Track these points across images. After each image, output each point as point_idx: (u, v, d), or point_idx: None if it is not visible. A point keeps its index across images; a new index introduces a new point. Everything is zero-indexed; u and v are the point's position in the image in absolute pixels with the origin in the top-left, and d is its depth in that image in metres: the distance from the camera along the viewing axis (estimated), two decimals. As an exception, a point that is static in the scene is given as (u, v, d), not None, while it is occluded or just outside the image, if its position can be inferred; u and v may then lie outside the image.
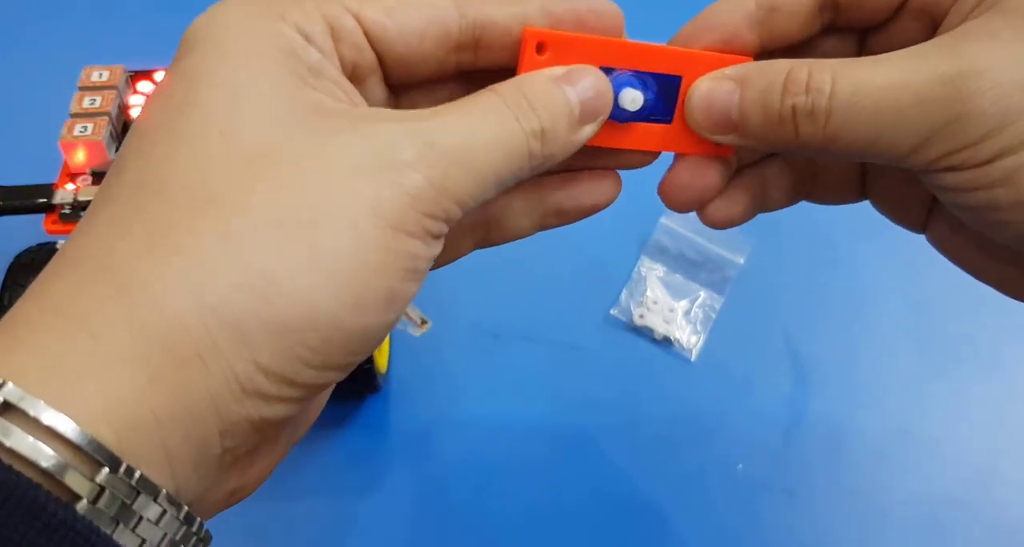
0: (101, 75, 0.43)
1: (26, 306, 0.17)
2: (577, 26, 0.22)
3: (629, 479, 0.43)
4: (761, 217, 0.54)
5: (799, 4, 0.23)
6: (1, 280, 0.42)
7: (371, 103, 0.22)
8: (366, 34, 0.21)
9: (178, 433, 0.17)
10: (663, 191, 0.26)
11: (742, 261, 0.50)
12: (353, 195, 0.18)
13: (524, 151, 0.20)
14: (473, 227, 0.24)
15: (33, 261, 0.43)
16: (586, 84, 0.22)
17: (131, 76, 0.44)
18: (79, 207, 0.40)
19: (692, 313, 0.49)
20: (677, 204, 0.26)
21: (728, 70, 0.23)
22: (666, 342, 0.48)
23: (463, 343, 0.47)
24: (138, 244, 0.17)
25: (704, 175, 0.25)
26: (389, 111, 0.20)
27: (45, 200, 0.40)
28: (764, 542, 0.42)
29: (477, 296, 0.48)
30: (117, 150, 0.42)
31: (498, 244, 0.25)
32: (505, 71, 0.22)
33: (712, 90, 0.23)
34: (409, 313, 0.40)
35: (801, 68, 0.22)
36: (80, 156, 0.41)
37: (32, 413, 0.15)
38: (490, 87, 0.21)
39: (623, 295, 0.49)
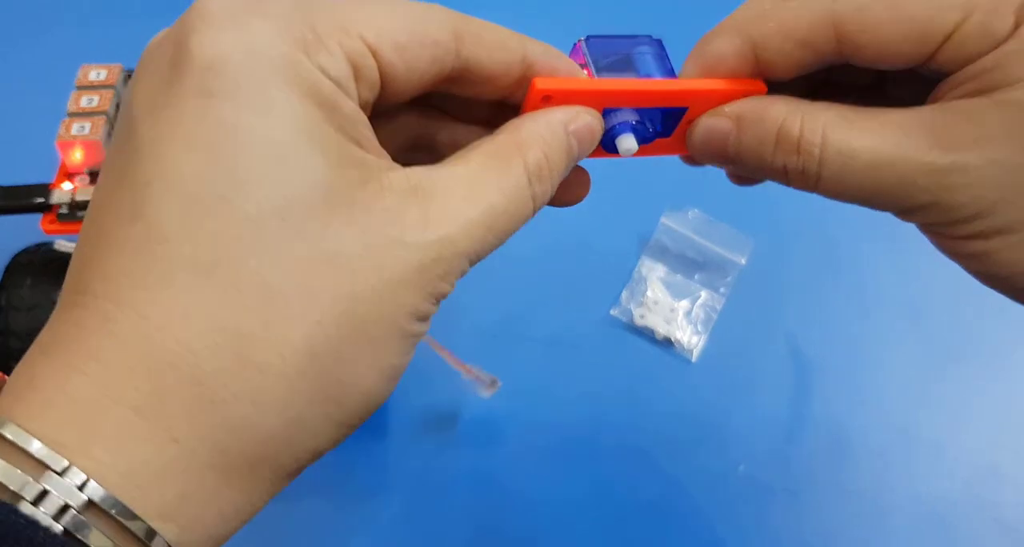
0: (99, 74, 0.43)
1: (99, 397, 0.17)
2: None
3: (630, 480, 0.43)
4: (762, 218, 0.54)
5: (785, 47, 0.23)
6: (-2, 280, 0.42)
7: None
8: (379, 73, 0.21)
9: (235, 522, 0.19)
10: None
11: (743, 261, 0.50)
12: (399, 308, 0.19)
13: (529, 208, 0.22)
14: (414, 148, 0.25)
15: (31, 261, 0.43)
16: (586, 137, 0.23)
17: (129, 75, 0.44)
18: (76, 207, 0.40)
19: (693, 313, 0.49)
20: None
21: (727, 107, 0.24)
22: (667, 342, 0.48)
23: (463, 343, 0.46)
24: (222, 353, 0.18)
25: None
26: (422, 184, 0.20)
27: (42, 200, 0.40)
28: (766, 543, 0.42)
29: (477, 296, 0.48)
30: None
31: None
32: (470, 101, 0.24)
33: (710, 128, 0.24)
34: (480, 375, 0.42)
35: (793, 121, 0.23)
36: (77, 155, 0.41)
37: (114, 513, 0.17)
38: (514, 140, 0.22)
39: (623, 295, 0.49)
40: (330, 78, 0.19)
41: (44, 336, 0.19)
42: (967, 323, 0.49)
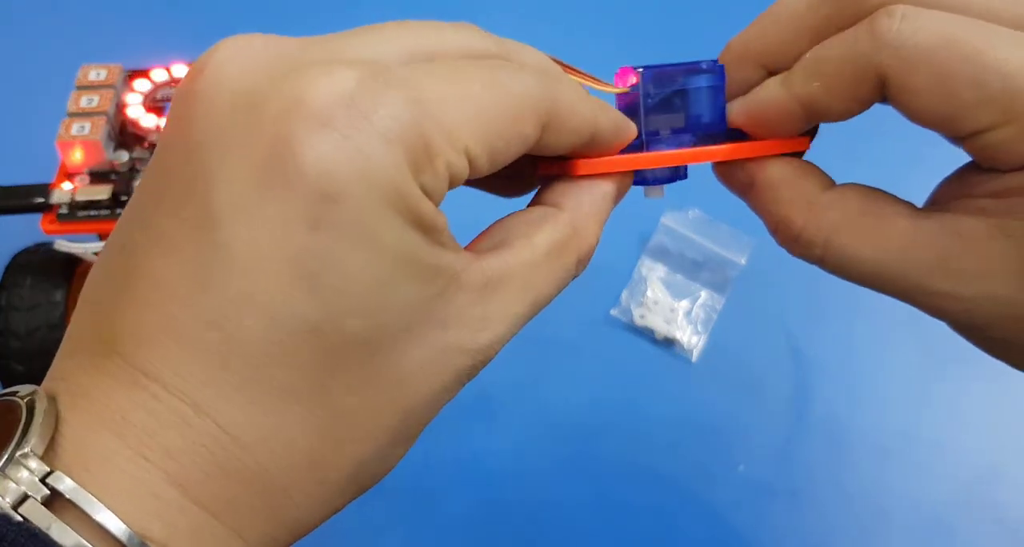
0: (99, 74, 0.43)
1: (179, 497, 0.18)
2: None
3: (630, 480, 0.43)
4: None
5: (833, 101, 0.22)
6: (-2, 280, 0.42)
7: None
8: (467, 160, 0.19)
9: None
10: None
11: (744, 261, 0.50)
12: (437, 409, 0.21)
13: (572, 271, 0.23)
14: None
15: (31, 262, 0.43)
16: (621, 192, 0.24)
17: (129, 75, 0.44)
18: (76, 207, 0.40)
19: (693, 313, 0.49)
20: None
21: (747, 165, 0.24)
22: (667, 343, 0.48)
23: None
24: (292, 465, 0.19)
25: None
26: (487, 280, 0.20)
27: (42, 200, 0.40)
28: (766, 543, 0.42)
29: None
30: (115, 150, 0.42)
31: None
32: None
33: (730, 178, 0.25)
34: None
35: (795, 220, 0.23)
36: (77, 155, 0.41)
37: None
38: (573, 223, 0.22)
39: (624, 295, 0.49)
40: (433, 200, 0.18)
41: (75, 381, 0.18)
42: (967, 323, 0.49)
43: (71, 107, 0.42)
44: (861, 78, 0.21)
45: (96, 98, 0.42)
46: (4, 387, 0.42)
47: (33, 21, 0.62)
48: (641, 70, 0.24)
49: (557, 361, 0.47)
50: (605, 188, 0.23)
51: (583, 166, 0.23)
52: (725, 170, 0.25)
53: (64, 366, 0.19)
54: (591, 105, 0.22)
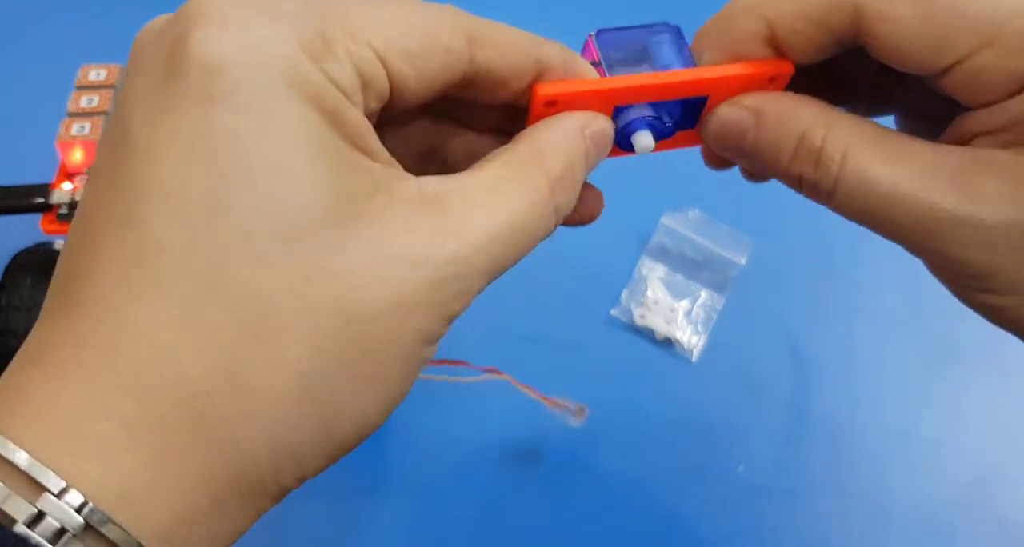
0: (99, 74, 0.43)
1: (88, 408, 0.17)
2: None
3: (630, 480, 0.43)
4: (762, 218, 0.54)
5: (799, 26, 0.22)
6: (-2, 280, 0.42)
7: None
8: (389, 81, 0.20)
9: (223, 544, 0.18)
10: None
11: (743, 261, 0.50)
12: (406, 330, 0.18)
13: (552, 219, 0.21)
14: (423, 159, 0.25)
15: (31, 261, 0.43)
16: (601, 142, 0.22)
17: (129, 75, 0.44)
18: (76, 206, 0.40)
19: (693, 313, 0.49)
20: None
21: (747, 99, 0.23)
22: (667, 343, 0.48)
23: (463, 344, 0.46)
24: (212, 369, 0.17)
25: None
26: (435, 196, 0.19)
27: (42, 200, 0.40)
28: (765, 543, 0.42)
29: (477, 298, 0.48)
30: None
31: None
32: (483, 106, 0.23)
33: (728, 120, 0.23)
34: (566, 405, 0.41)
35: (817, 132, 0.22)
36: (77, 155, 0.41)
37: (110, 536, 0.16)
38: (534, 149, 0.21)
39: (624, 295, 0.49)
40: (337, 87, 0.18)
41: (31, 343, 0.18)
42: (967, 323, 0.48)
43: (71, 107, 0.42)
44: (835, 6, 0.21)
45: (96, 98, 0.42)
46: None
47: (33, 21, 0.62)
48: (594, 34, 0.23)
49: (557, 361, 0.47)
50: (568, 121, 0.22)
51: (541, 87, 0.22)
52: (726, 114, 0.23)
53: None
54: (524, 33, 0.22)
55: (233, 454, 0.17)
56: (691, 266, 0.50)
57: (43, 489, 0.16)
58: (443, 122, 0.24)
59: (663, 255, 0.51)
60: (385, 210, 0.18)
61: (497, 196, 0.20)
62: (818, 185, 0.22)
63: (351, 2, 0.19)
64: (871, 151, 0.21)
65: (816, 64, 0.23)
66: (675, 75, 0.23)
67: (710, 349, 0.48)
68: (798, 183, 0.23)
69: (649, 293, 0.49)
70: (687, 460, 0.44)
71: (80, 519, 0.16)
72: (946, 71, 0.21)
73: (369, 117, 0.20)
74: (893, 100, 0.26)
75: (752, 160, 0.23)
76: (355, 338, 0.18)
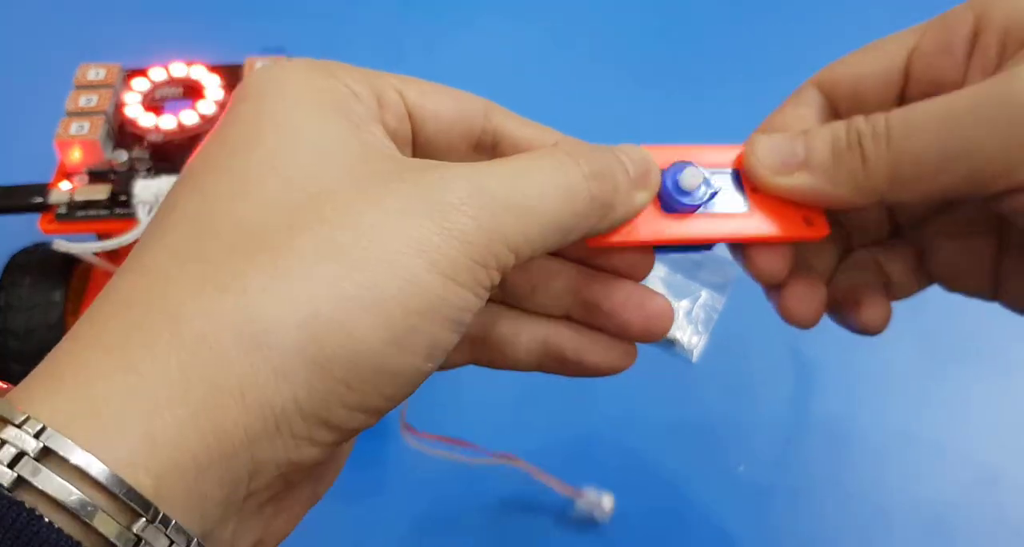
0: (97, 73, 0.43)
1: (75, 344, 0.17)
2: None
3: (630, 481, 0.43)
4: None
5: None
6: (-3, 280, 0.42)
7: None
8: (406, 108, 0.22)
9: (213, 476, 0.17)
10: (784, 308, 0.27)
11: (743, 261, 0.50)
12: (401, 237, 0.18)
13: (584, 192, 0.20)
14: (471, 340, 0.24)
15: (29, 261, 0.43)
16: (633, 153, 0.22)
17: (127, 74, 0.44)
18: (75, 206, 0.40)
19: (693, 313, 0.49)
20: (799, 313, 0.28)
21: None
22: (667, 343, 0.48)
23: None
24: (191, 282, 0.17)
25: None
26: (438, 162, 0.20)
27: (41, 199, 0.40)
28: (766, 543, 0.42)
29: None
30: (113, 149, 0.42)
31: (493, 367, 0.25)
32: None
33: (776, 137, 0.24)
34: (590, 497, 0.41)
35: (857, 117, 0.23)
36: (76, 155, 0.41)
37: (63, 454, 0.15)
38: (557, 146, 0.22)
39: (623, 295, 0.49)
40: (350, 90, 0.21)
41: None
42: (967, 323, 0.48)
43: (70, 106, 0.42)
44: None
45: (95, 97, 0.42)
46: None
47: (32, 21, 0.62)
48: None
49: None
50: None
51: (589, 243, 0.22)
52: (773, 139, 0.24)
53: None
54: (538, 127, 0.24)
55: (204, 356, 0.17)
56: (691, 266, 0.50)
57: (9, 423, 0.16)
58: None
59: (663, 255, 0.51)
60: (390, 162, 0.20)
61: (527, 168, 0.20)
62: (875, 131, 0.22)
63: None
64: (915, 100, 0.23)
65: None
66: (720, 147, 0.24)
67: (710, 349, 0.48)
68: (860, 158, 0.23)
69: (649, 293, 0.49)
70: (687, 460, 0.44)
71: (37, 443, 0.15)
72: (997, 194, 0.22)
73: (395, 136, 0.22)
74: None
75: (808, 159, 0.24)
76: (340, 240, 0.18)
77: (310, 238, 0.18)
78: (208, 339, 0.17)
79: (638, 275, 0.24)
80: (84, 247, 0.40)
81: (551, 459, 0.44)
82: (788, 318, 0.27)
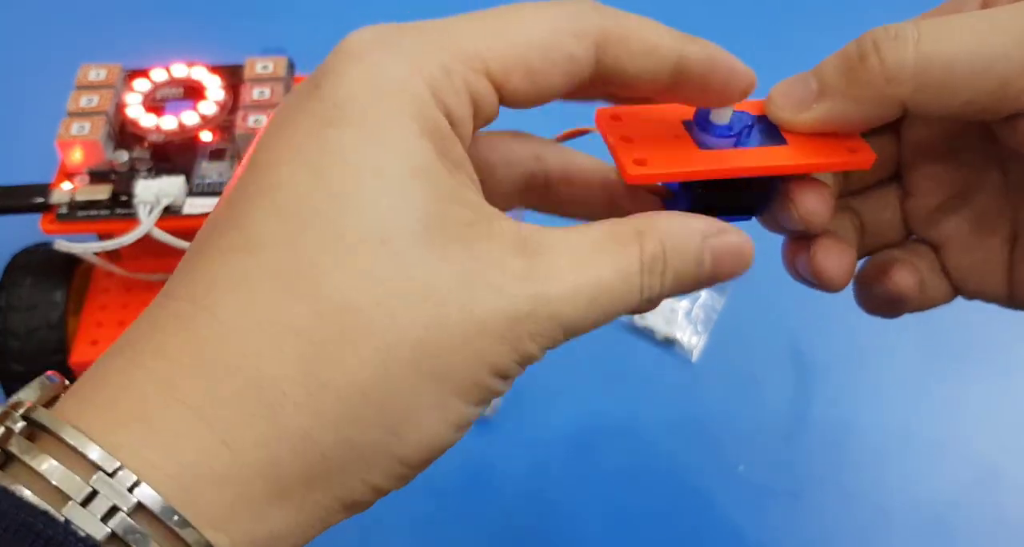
0: (98, 74, 0.43)
1: (157, 394, 0.17)
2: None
3: (630, 481, 0.43)
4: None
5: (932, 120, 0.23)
6: (-2, 280, 0.42)
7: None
8: (500, 98, 0.20)
9: (286, 544, 0.18)
10: (816, 265, 0.26)
11: (743, 261, 0.50)
12: (481, 352, 0.19)
13: (630, 307, 0.21)
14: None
15: (30, 261, 0.43)
16: (729, 259, 0.22)
17: (128, 75, 0.44)
18: (76, 206, 0.40)
19: (693, 313, 0.49)
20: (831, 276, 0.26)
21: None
22: (667, 343, 0.48)
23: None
24: (288, 363, 0.17)
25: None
26: (528, 242, 0.20)
27: (42, 200, 0.40)
28: (766, 544, 0.42)
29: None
30: (114, 149, 0.42)
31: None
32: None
33: (789, 79, 0.24)
34: None
35: (886, 30, 0.22)
36: (77, 155, 0.41)
37: (164, 519, 0.16)
38: (636, 227, 0.21)
39: (624, 295, 0.49)
40: (451, 119, 0.19)
41: (121, 338, 0.19)
42: (968, 323, 0.49)
43: (71, 107, 0.42)
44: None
45: (96, 98, 0.42)
46: (4, 386, 0.42)
47: (33, 21, 0.62)
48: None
49: (557, 361, 0.47)
50: (692, 222, 0.22)
51: (630, 169, 0.22)
52: (786, 82, 0.24)
53: None
54: (666, 30, 0.21)
55: (300, 446, 0.17)
56: (691, 266, 0.50)
57: (96, 467, 0.16)
58: (548, 142, 0.24)
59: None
60: (481, 240, 0.19)
61: (589, 258, 0.20)
62: (897, 35, 0.22)
63: (469, 27, 0.20)
64: (941, 24, 0.22)
65: None
66: (769, 161, 0.23)
67: (710, 349, 0.48)
68: (879, 64, 0.22)
69: (649, 293, 0.49)
70: (687, 460, 0.44)
71: (134, 499, 0.16)
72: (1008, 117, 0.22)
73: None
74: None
75: (822, 87, 0.23)
76: (430, 353, 0.18)
77: (402, 338, 0.18)
78: (306, 430, 0.17)
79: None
80: (85, 247, 0.40)
81: (550, 457, 0.44)
82: (819, 276, 0.26)
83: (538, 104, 0.21)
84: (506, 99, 0.20)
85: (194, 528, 0.16)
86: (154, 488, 0.16)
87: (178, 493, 0.16)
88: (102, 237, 0.40)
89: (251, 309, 0.17)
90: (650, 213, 0.21)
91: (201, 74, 0.44)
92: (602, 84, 0.21)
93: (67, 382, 0.19)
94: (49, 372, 0.19)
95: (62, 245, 0.39)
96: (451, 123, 0.19)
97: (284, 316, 0.17)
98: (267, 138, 0.19)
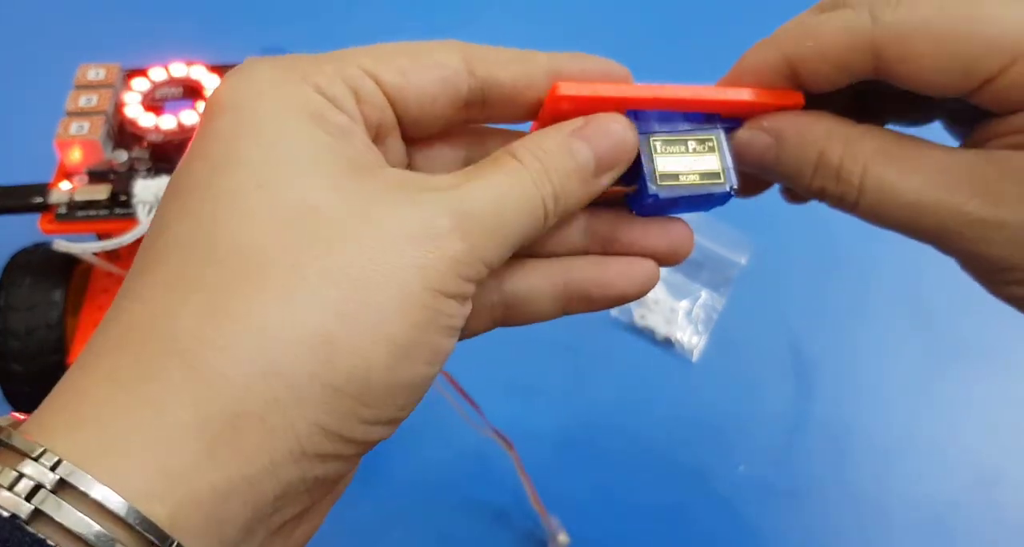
0: (97, 73, 0.43)
1: (86, 377, 0.18)
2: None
3: (630, 480, 0.43)
4: (763, 217, 0.54)
5: (821, 68, 0.23)
6: (-3, 280, 0.42)
7: (390, 158, 0.22)
8: (385, 95, 0.21)
9: (236, 502, 0.17)
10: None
11: (744, 261, 0.50)
12: (401, 258, 0.19)
13: (540, 213, 0.21)
14: (492, 307, 0.24)
15: (29, 261, 0.43)
16: (601, 136, 0.22)
17: (127, 74, 0.44)
18: (74, 206, 0.40)
19: (693, 313, 0.49)
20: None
21: (766, 121, 0.24)
22: (667, 343, 0.48)
23: (463, 346, 0.46)
24: (198, 313, 0.18)
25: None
26: (417, 176, 0.21)
27: (41, 199, 0.40)
28: (766, 544, 0.42)
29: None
30: (113, 149, 0.42)
31: (519, 325, 0.25)
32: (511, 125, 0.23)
33: (749, 142, 0.24)
34: (554, 527, 0.41)
35: (835, 149, 0.23)
36: (76, 155, 0.41)
37: (82, 488, 0.16)
38: (507, 148, 0.21)
39: (624, 295, 0.49)
40: (324, 95, 0.20)
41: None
42: (968, 322, 0.49)
43: (69, 106, 0.42)
44: (855, 47, 0.22)
45: (95, 97, 0.42)
46: (3, 386, 0.42)
47: (32, 21, 0.62)
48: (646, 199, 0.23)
49: (557, 361, 0.47)
50: (565, 126, 0.22)
51: (560, 86, 0.22)
52: (747, 137, 0.24)
53: None
54: (529, 50, 0.22)
55: (223, 390, 0.17)
56: (691, 266, 0.50)
57: (23, 455, 0.16)
58: (479, 142, 0.24)
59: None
60: (372, 180, 0.20)
61: (483, 178, 0.20)
62: (842, 198, 0.23)
63: (352, 49, 0.21)
64: (889, 163, 0.22)
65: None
66: (699, 90, 0.23)
67: (710, 349, 0.48)
68: (822, 197, 0.23)
69: (649, 293, 0.49)
70: (687, 460, 0.44)
71: (54, 475, 0.16)
72: (973, 92, 0.21)
73: (382, 129, 0.21)
74: (919, 116, 0.26)
75: (776, 177, 0.24)
76: (343, 269, 0.18)
77: (310, 260, 0.18)
78: (223, 371, 0.17)
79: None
80: (84, 247, 0.40)
81: (550, 457, 0.44)
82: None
83: (435, 113, 0.22)
84: (386, 90, 0.21)
85: (123, 499, 0.16)
86: (73, 463, 0.16)
87: (104, 465, 0.16)
88: (101, 237, 0.40)
89: (159, 279, 0.18)
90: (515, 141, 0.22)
91: (200, 74, 0.44)
92: (490, 101, 0.22)
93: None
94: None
95: (61, 245, 0.39)
96: (325, 98, 0.20)
97: (186, 272, 0.18)
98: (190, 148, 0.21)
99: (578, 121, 0.22)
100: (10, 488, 0.16)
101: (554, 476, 0.43)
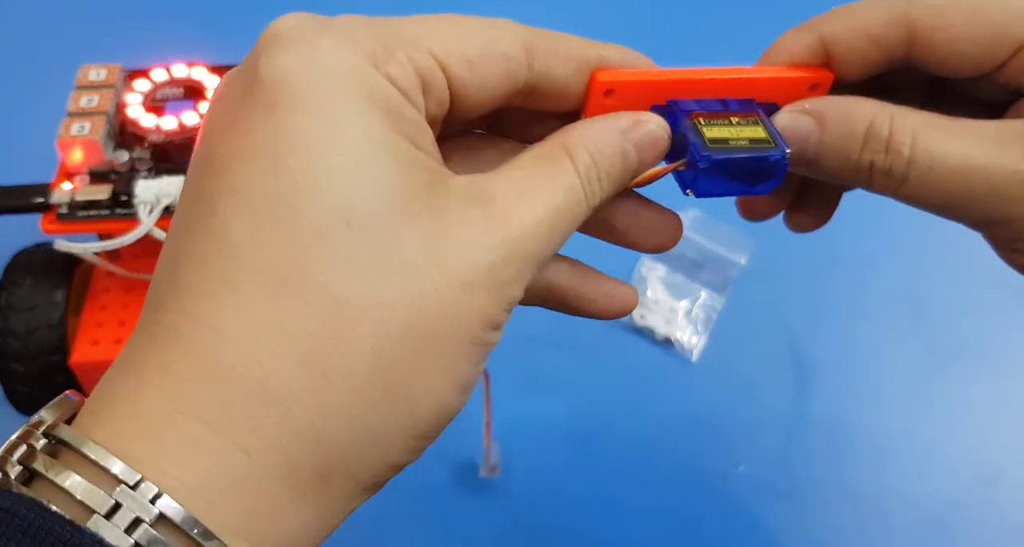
0: (99, 74, 0.43)
1: (168, 409, 0.17)
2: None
3: (630, 480, 0.43)
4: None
5: (856, 44, 0.23)
6: (-2, 280, 0.42)
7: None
8: (449, 87, 0.20)
9: (308, 542, 0.18)
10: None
11: (744, 261, 0.50)
12: (471, 308, 0.19)
13: (581, 221, 0.21)
14: None
15: (30, 261, 0.43)
16: (648, 143, 0.22)
17: (128, 75, 0.44)
18: (76, 206, 0.40)
19: (693, 313, 0.49)
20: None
21: (808, 103, 0.23)
22: (667, 343, 0.48)
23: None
24: (289, 363, 0.18)
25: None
26: (477, 189, 0.20)
27: (42, 199, 0.40)
28: (766, 543, 0.42)
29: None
30: (114, 149, 0.42)
31: None
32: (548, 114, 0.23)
33: (790, 126, 0.23)
34: (490, 454, 0.42)
35: (883, 120, 0.22)
36: (77, 155, 0.41)
37: (173, 519, 0.16)
38: (564, 143, 0.21)
39: (624, 295, 0.49)
40: (397, 87, 0.19)
41: (122, 354, 0.19)
42: (968, 322, 0.49)
43: (71, 107, 0.42)
44: (891, 21, 0.22)
45: (96, 98, 0.42)
46: (4, 386, 0.42)
47: (33, 21, 0.62)
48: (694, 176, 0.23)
49: (557, 361, 0.47)
50: (607, 119, 0.22)
51: (601, 74, 0.22)
52: (789, 120, 0.23)
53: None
54: (581, 38, 0.22)
55: (314, 443, 0.18)
56: (691, 266, 0.50)
57: (119, 481, 0.16)
58: (508, 142, 0.24)
59: (663, 255, 0.51)
60: (442, 200, 0.19)
61: (533, 187, 0.20)
62: (891, 170, 0.22)
63: (411, 19, 0.20)
64: (938, 130, 0.22)
65: (865, 82, 0.24)
66: (734, 72, 0.23)
67: (710, 349, 0.48)
68: (868, 175, 0.23)
69: (649, 293, 0.49)
70: (687, 460, 0.44)
71: (155, 510, 0.16)
72: (1005, 63, 0.22)
73: (431, 123, 0.20)
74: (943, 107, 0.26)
75: (815, 164, 0.24)
76: (423, 323, 0.18)
77: (394, 314, 0.18)
78: (317, 425, 0.18)
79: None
80: (85, 247, 0.40)
81: (549, 456, 0.44)
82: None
83: (484, 105, 0.21)
84: (452, 84, 0.20)
85: (217, 538, 0.16)
86: (174, 499, 0.16)
87: (198, 503, 0.17)
88: (102, 237, 0.40)
89: (240, 314, 0.18)
90: (565, 127, 0.22)
91: (201, 74, 0.44)
92: (538, 92, 0.22)
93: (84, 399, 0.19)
94: (68, 391, 0.19)
95: (62, 245, 0.39)
96: (399, 90, 0.19)
97: (273, 316, 0.18)
98: (215, 128, 0.19)
99: (624, 120, 0.22)
100: (108, 516, 0.16)
101: (553, 475, 0.43)
